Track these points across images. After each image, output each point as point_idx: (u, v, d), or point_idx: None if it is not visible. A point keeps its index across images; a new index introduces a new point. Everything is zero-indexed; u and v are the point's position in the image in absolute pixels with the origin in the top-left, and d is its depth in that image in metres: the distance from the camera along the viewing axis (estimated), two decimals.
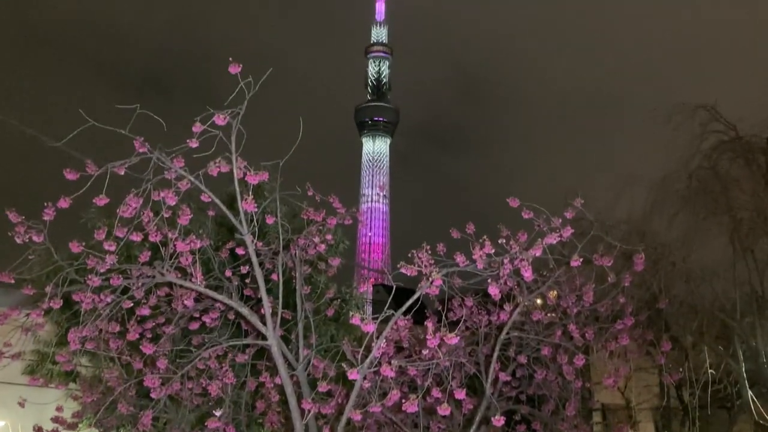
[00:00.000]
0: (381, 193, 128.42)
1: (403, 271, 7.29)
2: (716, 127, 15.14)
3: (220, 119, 6.43)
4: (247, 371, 8.80)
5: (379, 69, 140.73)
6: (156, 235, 7.24)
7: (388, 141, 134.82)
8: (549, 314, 8.89)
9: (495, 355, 8.28)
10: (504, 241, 7.18)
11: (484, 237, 6.95)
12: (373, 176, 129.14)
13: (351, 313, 6.27)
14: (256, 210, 6.89)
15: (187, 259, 7.23)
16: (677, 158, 15.20)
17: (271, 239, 8.11)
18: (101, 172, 6.64)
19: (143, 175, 6.77)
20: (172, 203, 7.12)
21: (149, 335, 8.32)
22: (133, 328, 7.73)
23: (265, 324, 7.21)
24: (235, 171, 6.74)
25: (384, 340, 7.32)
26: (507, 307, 8.63)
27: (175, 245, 7.08)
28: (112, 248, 6.68)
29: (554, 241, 7.09)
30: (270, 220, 7.55)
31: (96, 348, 7.57)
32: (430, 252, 7.21)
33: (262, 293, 7.07)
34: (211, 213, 8.66)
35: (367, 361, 6.91)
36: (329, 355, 8.09)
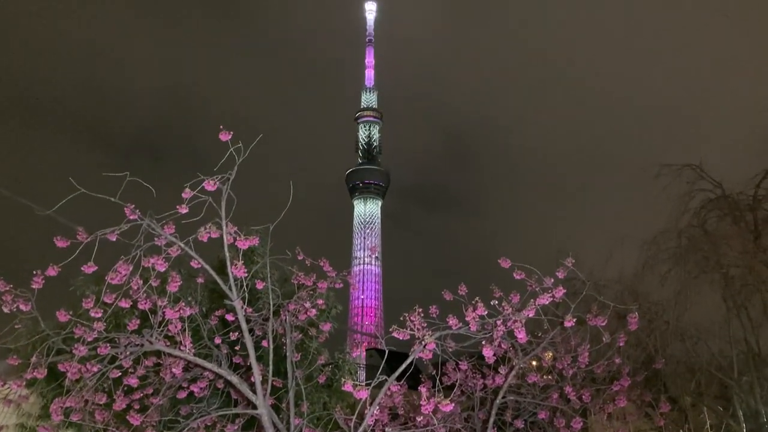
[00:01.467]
0: (373, 255, 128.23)
1: (395, 335, 7.21)
2: (703, 186, 15.36)
3: (210, 185, 6.45)
4: None
5: (370, 133, 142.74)
6: (145, 303, 7.16)
7: (380, 203, 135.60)
8: (545, 376, 8.76)
9: (491, 420, 8.11)
10: (496, 302, 7.13)
11: (477, 299, 6.91)
12: (365, 238, 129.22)
13: (343, 380, 6.11)
14: (246, 275, 6.84)
15: (176, 327, 7.14)
16: (666, 217, 15.35)
17: (261, 305, 8.02)
18: (91, 240, 6.61)
19: (133, 241, 6.74)
20: (162, 270, 7.06)
21: (137, 406, 8.12)
22: (120, 398, 7.54)
23: (255, 392, 7.05)
24: (225, 237, 6.71)
25: (377, 407, 7.17)
26: (502, 370, 8.51)
27: (164, 313, 6.99)
28: (99, 315, 6.57)
29: (547, 302, 7.05)
30: (260, 285, 7.48)
31: (81, 420, 7.35)
32: (422, 315, 7.15)
33: (252, 360, 6.95)
34: (200, 280, 8.60)
35: (361, 429, 6.75)
36: (321, 424, 7.88)
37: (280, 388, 8.45)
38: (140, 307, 7.19)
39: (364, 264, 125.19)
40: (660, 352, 11.91)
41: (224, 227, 6.71)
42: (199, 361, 6.97)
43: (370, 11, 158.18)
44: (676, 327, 13.69)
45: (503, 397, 8.24)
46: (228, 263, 6.78)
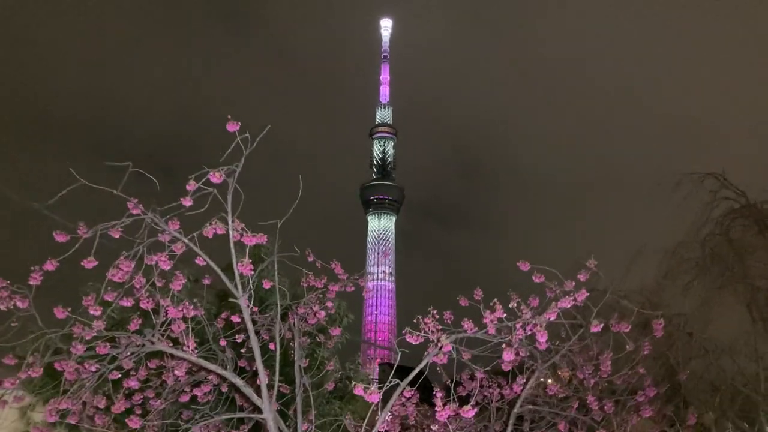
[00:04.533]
0: (387, 271, 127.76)
1: (408, 339, 6.87)
2: (726, 195, 14.90)
3: (215, 177, 6.17)
4: None
5: (384, 149, 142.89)
6: (148, 302, 6.89)
7: (394, 219, 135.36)
8: (563, 387, 8.35)
9: (508, 430, 7.71)
10: (515, 305, 6.77)
11: (495, 300, 6.55)
12: (378, 254, 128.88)
13: (353, 383, 5.78)
14: (252, 273, 6.53)
15: (179, 327, 6.85)
16: (687, 228, 14.90)
17: (268, 306, 7.72)
18: (91, 235, 6.35)
19: (135, 236, 6.47)
20: (166, 268, 6.80)
21: (138, 410, 7.82)
22: (121, 401, 7.25)
23: (260, 396, 6.72)
24: (230, 232, 6.43)
25: (389, 413, 6.81)
26: (519, 379, 8.14)
27: (167, 311, 6.70)
28: (98, 312, 6.29)
29: (569, 305, 6.68)
30: (267, 285, 7.18)
31: (79, 422, 7.05)
32: (437, 317, 6.81)
33: (258, 362, 6.63)
34: (206, 281, 8.32)
35: (374, 430, 6.40)
36: (330, 430, 7.53)
37: (286, 394, 8.12)
38: (142, 306, 6.92)
39: (377, 280, 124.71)
40: (682, 365, 11.44)
41: (230, 222, 6.43)
42: (202, 362, 6.66)
43: (386, 28, 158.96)
44: (699, 340, 13.20)
45: (521, 406, 7.84)
46: (234, 259, 6.48)
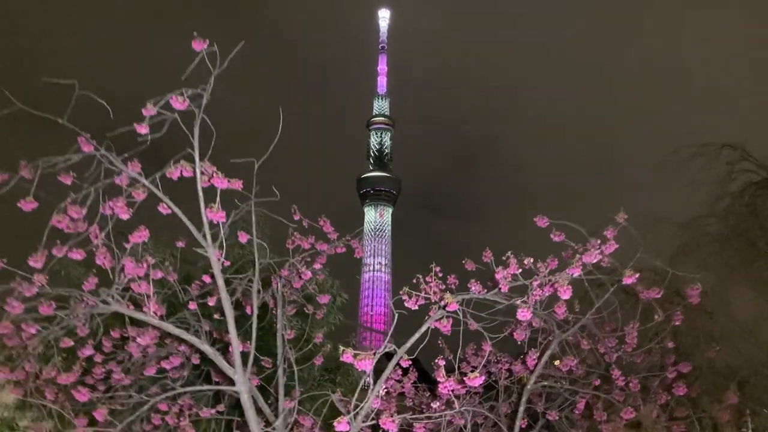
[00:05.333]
0: (383, 262, 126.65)
1: (406, 302, 5.92)
2: (745, 167, 13.94)
3: (177, 102, 5.16)
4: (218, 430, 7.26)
5: (381, 140, 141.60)
6: (105, 258, 5.91)
7: (390, 210, 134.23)
8: (580, 363, 7.37)
9: (520, 410, 6.76)
10: (530, 262, 5.78)
11: (509, 253, 5.55)
12: (375, 245, 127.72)
13: (341, 349, 4.81)
14: (224, 220, 5.54)
15: (140, 287, 5.86)
16: (702, 202, 13.95)
17: (245, 266, 6.73)
18: (34, 173, 5.35)
19: (86, 175, 5.48)
20: (125, 217, 5.81)
21: (101, 387, 6.86)
22: (72, 373, 6.28)
23: (234, 366, 5.74)
24: (198, 169, 5.42)
25: (383, 387, 5.84)
26: (532, 353, 7.18)
27: (123, 266, 5.72)
28: (39, 265, 5.30)
29: (594, 260, 5.69)
30: (244, 238, 6.18)
31: (25, 396, 6.09)
32: (441, 275, 5.84)
33: (229, 324, 5.65)
34: (180, 243, 7.33)
35: (363, 411, 5.43)
36: (315, 406, 6.54)
37: (268, 368, 7.16)
38: (98, 262, 5.94)
39: (373, 271, 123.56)
40: (705, 342, 10.48)
41: (197, 157, 5.42)
42: (166, 325, 5.66)
43: (383, 18, 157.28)
44: (718, 319, 12.26)
45: (535, 383, 6.88)
46: (201, 205, 5.48)
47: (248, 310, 6.76)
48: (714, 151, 14.40)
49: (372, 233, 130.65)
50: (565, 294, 5.32)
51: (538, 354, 7.05)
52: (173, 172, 5.59)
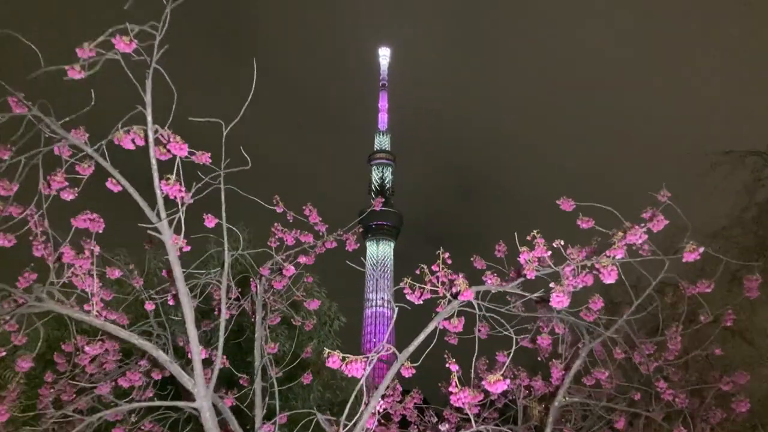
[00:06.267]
0: (385, 298, 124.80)
1: (408, 295, 4.85)
2: None
3: (122, 43, 4.16)
4: None
5: (383, 175, 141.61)
6: (41, 246, 4.89)
7: (392, 244, 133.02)
8: (614, 375, 6.26)
9: (548, 430, 5.61)
10: (561, 244, 4.70)
11: (536, 232, 4.47)
12: (377, 280, 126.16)
13: (327, 351, 3.72)
14: (182, 195, 4.50)
15: (83, 283, 4.81)
16: (727, 211, 12.97)
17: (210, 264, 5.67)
18: None
19: (12, 138, 4.47)
20: (68, 198, 4.81)
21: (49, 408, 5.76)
22: (11, 392, 5.20)
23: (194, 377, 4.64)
24: (149, 132, 4.40)
25: (380, 405, 4.74)
26: (554, 368, 6.08)
27: (61, 257, 4.68)
28: None
29: (639, 240, 4.61)
30: (211, 222, 5.12)
31: None
32: (449, 262, 4.79)
33: (188, 322, 4.55)
34: (149, 246, 6.33)
35: (358, 427, 4.33)
36: (298, 428, 5.40)
37: (245, 387, 6.07)
38: (36, 253, 4.93)
39: (376, 306, 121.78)
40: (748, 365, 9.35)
41: (148, 117, 4.40)
42: (109, 326, 4.56)
43: (384, 56, 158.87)
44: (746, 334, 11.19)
45: (565, 398, 5.76)
46: (154, 175, 4.44)
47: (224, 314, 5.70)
48: (737, 159, 13.53)
49: (374, 268, 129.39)
50: (610, 277, 4.23)
51: (563, 366, 5.96)
52: (123, 138, 4.58)
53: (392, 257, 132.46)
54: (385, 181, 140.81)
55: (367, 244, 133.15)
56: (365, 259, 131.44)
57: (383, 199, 8.22)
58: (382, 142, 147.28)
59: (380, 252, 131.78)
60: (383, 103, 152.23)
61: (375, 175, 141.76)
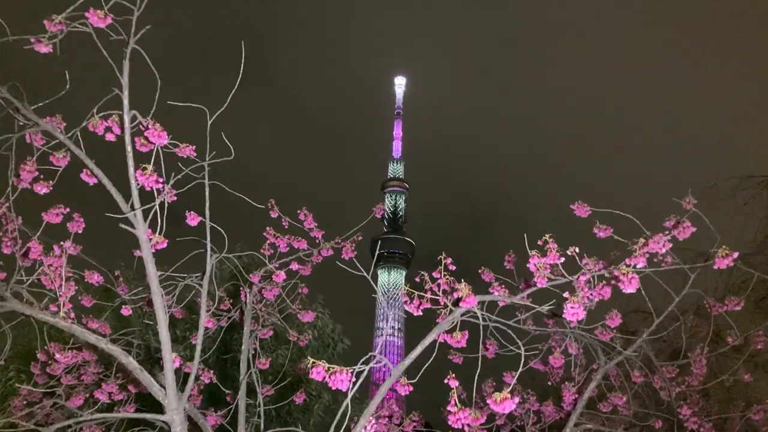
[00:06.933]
0: (396, 327, 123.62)
1: (408, 307, 4.43)
2: None
3: (95, 17, 3.81)
4: None
5: (396, 203, 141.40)
6: (11, 243, 4.53)
7: (404, 273, 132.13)
8: (631, 400, 5.75)
9: None
10: (575, 251, 4.24)
11: (548, 236, 4.01)
12: (387, 309, 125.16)
13: (311, 362, 3.28)
14: (159, 186, 4.11)
15: (53, 283, 4.43)
16: (746, 240, 12.43)
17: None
18: None
19: None
20: (42, 192, 4.47)
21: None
22: None
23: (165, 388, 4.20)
24: (126, 117, 4.04)
25: (371, 424, 4.28)
26: (566, 392, 5.59)
27: (28, 249, 4.31)
28: None
29: (663, 249, 4.13)
30: (194, 220, 4.72)
31: None
32: (453, 268, 4.36)
33: (160, 326, 4.13)
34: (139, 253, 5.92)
35: None
36: None
37: (230, 404, 5.61)
38: (5, 251, 4.57)
39: (386, 335, 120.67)
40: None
41: (125, 101, 4.04)
42: (76, 329, 4.15)
43: (399, 85, 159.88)
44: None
45: (576, 426, 5.25)
46: (129, 163, 4.06)
47: (209, 324, 5.28)
48: (759, 185, 13.03)
49: (385, 297, 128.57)
50: (631, 286, 3.75)
51: (575, 389, 5.47)
52: (98, 125, 4.23)
53: (404, 285, 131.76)
54: (398, 209, 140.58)
55: (379, 272, 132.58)
56: (377, 287, 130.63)
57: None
58: (396, 169, 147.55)
59: (392, 280, 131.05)
60: (398, 131, 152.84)
61: (388, 203, 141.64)
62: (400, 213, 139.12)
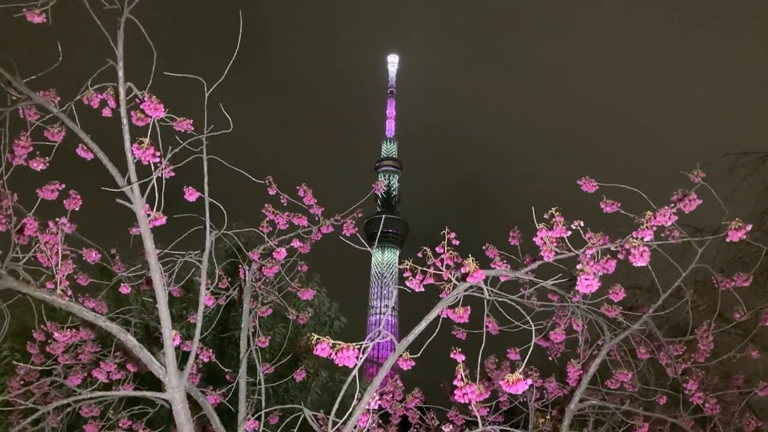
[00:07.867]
0: (390, 305, 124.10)
1: (409, 283, 4.34)
2: None
3: None
4: None
5: (389, 182, 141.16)
6: (5, 220, 4.42)
7: (398, 252, 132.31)
8: (635, 377, 5.71)
9: None
10: (579, 225, 4.16)
11: (555, 209, 3.93)
12: (381, 288, 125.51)
13: (315, 337, 3.18)
14: (156, 160, 4.00)
15: (49, 261, 4.32)
16: (744, 217, 12.37)
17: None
18: None
19: None
20: (38, 168, 4.36)
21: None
22: None
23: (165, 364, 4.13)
24: (121, 89, 3.92)
25: (374, 399, 4.22)
26: (570, 368, 5.55)
27: (23, 225, 4.20)
28: None
29: (670, 221, 4.06)
30: (192, 195, 4.62)
31: None
32: (457, 243, 4.28)
33: (160, 304, 4.05)
34: (134, 230, 5.80)
35: (346, 430, 3.80)
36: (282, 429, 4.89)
37: (230, 383, 5.55)
38: (0, 228, 4.46)
39: (380, 314, 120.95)
40: None
41: (120, 73, 3.91)
42: (74, 306, 4.06)
43: (393, 63, 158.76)
44: None
45: (580, 402, 5.22)
46: (126, 136, 3.95)
47: (208, 301, 5.18)
48: (756, 161, 12.96)
49: (379, 276, 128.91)
50: (642, 259, 3.69)
51: (580, 365, 5.42)
52: (93, 98, 4.11)
53: (397, 264, 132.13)
54: (392, 189, 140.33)
55: (372, 251, 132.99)
56: (370, 266, 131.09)
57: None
58: (390, 149, 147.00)
59: (386, 259, 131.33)
60: (391, 110, 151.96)
61: (382, 183, 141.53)
62: (394, 193, 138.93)
